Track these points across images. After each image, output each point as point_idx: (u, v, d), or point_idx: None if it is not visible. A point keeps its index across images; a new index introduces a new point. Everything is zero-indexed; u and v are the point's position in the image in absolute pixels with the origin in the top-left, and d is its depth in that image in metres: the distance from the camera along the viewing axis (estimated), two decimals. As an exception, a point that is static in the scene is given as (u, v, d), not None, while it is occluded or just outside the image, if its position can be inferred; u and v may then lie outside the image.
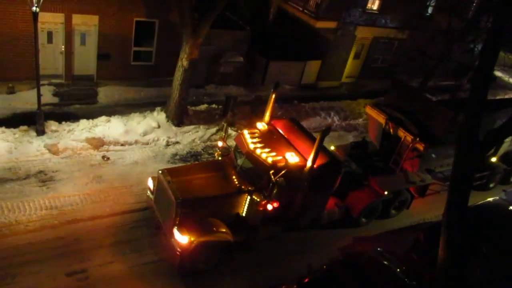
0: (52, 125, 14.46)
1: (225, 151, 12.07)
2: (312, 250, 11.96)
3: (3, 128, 13.74)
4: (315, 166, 10.39)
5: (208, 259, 10.31)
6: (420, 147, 12.68)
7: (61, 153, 13.58)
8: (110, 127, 15.05)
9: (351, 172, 13.26)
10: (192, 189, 10.15)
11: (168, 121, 16.24)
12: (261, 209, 10.24)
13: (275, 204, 10.20)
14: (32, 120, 14.15)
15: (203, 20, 14.92)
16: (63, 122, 14.83)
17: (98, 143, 14.29)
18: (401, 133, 13.21)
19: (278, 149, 10.72)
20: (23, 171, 12.52)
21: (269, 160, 10.25)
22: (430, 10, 23.79)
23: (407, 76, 24.36)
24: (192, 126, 16.51)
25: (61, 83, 16.76)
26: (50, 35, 16.06)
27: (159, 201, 10.64)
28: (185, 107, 16.80)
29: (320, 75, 23.21)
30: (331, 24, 21.54)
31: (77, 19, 16.03)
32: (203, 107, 18.08)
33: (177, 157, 14.94)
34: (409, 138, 12.89)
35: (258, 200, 10.21)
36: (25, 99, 15.53)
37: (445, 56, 20.55)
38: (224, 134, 11.87)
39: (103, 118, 15.41)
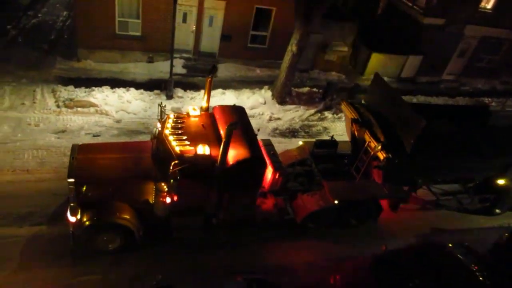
0: (179, 92, 15.56)
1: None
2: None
3: (142, 90, 15.16)
4: (232, 162, 8.60)
5: (105, 242, 8.96)
6: (381, 156, 9.92)
7: (183, 116, 14.56)
8: (225, 99, 15.72)
9: (306, 173, 11.08)
10: (92, 169, 8.74)
11: (273, 98, 16.48)
12: (161, 199, 8.55)
13: (173, 198, 8.52)
14: (164, 86, 15.36)
15: (315, 10, 14.65)
16: (188, 90, 15.86)
17: (213, 111, 15.05)
18: (367, 137, 10.43)
19: (198, 139, 8.74)
20: (152, 127, 13.73)
21: (177, 149, 8.46)
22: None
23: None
24: (294, 106, 16.56)
25: (189, 58, 17.83)
26: (185, 16, 17.07)
27: None
28: (290, 88, 16.88)
29: (421, 70, 21.52)
30: (439, 21, 19.72)
31: (208, 3, 16.77)
32: (305, 89, 17.98)
33: (277, 131, 15.16)
34: (373, 144, 10.17)
35: (161, 190, 8.46)
36: (160, 68, 16.86)
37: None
38: (159, 116, 9.66)
39: (220, 90, 16.14)
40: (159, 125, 9.48)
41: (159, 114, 9.55)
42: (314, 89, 18.07)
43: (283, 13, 17.47)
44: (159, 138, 9.02)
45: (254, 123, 14.96)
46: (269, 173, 10.07)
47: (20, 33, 17.73)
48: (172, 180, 8.19)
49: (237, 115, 9.84)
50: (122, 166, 9.00)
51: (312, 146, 11.65)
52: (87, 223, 8.43)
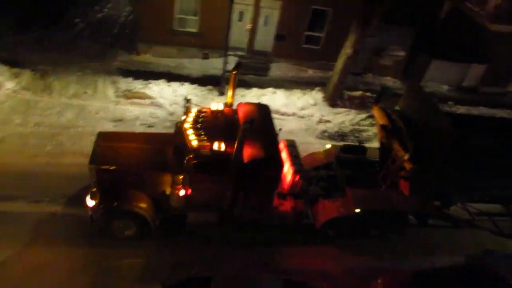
0: (230, 89, 15.78)
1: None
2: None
3: (195, 85, 15.58)
4: (246, 160, 8.46)
5: (121, 229, 9.15)
6: (407, 167, 9.24)
7: (233, 113, 14.78)
8: (275, 98, 15.74)
9: (330, 177, 10.60)
10: (113, 157, 8.91)
11: (324, 100, 16.26)
12: (176, 192, 8.63)
13: (187, 191, 8.58)
14: (216, 83, 15.67)
15: (373, 13, 14.26)
16: (239, 88, 15.99)
17: (262, 110, 15.12)
18: (395, 145, 9.68)
19: (216, 134, 8.67)
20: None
21: (194, 143, 8.49)
22: None
23: None
24: (345, 109, 16.24)
25: (243, 55, 18.01)
26: (241, 15, 17.29)
27: None
28: (341, 91, 16.57)
29: (485, 79, 20.27)
30: (508, 28, 18.43)
31: (264, 2, 16.88)
32: (357, 93, 17.56)
33: (326, 134, 14.94)
34: (400, 153, 9.46)
35: (176, 182, 8.53)
36: (214, 65, 17.20)
37: None
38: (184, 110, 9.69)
39: (270, 89, 16.19)
40: (183, 118, 9.50)
41: (184, 108, 9.59)
42: (367, 93, 17.58)
43: (340, 14, 17.19)
44: (179, 131, 9.09)
45: (302, 124, 15.02)
46: (289, 174, 9.88)
47: (86, 26, 18.83)
48: (185, 174, 8.22)
49: (260, 113, 9.69)
50: (142, 156, 9.12)
51: (338, 151, 11.19)
52: (104, 207, 8.71)
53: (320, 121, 15.43)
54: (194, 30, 17.15)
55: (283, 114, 15.19)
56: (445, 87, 19.75)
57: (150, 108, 14.15)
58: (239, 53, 17.89)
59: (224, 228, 9.75)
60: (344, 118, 15.84)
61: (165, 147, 9.28)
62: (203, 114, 9.36)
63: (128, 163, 8.92)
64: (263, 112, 9.84)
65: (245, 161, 8.47)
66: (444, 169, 9.17)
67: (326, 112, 15.84)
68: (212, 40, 17.05)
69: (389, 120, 10.31)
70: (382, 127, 10.23)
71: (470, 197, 10.49)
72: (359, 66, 18.46)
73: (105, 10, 20.65)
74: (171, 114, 14.10)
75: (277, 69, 18.09)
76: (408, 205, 10.01)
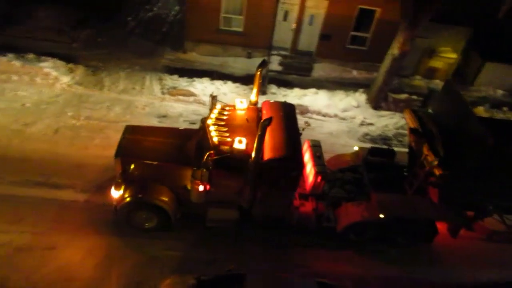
0: (272, 88, 15.85)
1: None
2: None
3: (238, 84, 15.78)
4: (265, 158, 8.38)
5: (143, 220, 9.38)
6: (437, 172, 8.78)
7: (274, 112, 14.82)
8: (317, 99, 15.61)
9: (356, 180, 10.32)
10: (138, 150, 9.27)
11: (367, 103, 15.90)
12: (195, 186, 8.52)
13: (206, 186, 8.51)
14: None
15: (423, 13, 13.72)
16: (281, 87, 16.08)
17: (304, 110, 15.04)
18: (425, 150, 9.18)
19: (238, 132, 8.69)
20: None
21: (215, 139, 8.54)
22: None
23: None
24: (388, 112, 15.78)
25: (286, 55, 18.00)
26: (286, 14, 17.25)
27: None
28: (386, 93, 16.11)
29: (546, 84, 18.91)
30: None
31: (310, 2, 16.74)
32: (403, 96, 17.00)
33: (368, 136, 14.61)
34: (430, 158, 8.98)
35: (196, 177, 8.42)
36: (257, 64, 17.06)
37: None
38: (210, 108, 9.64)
39: (313, 90, 16.07)
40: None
41: (210, 104, 9.61)
42: (414, 97, 16.99)
43: (387, 14, 16.69)
44: (203, 127, 9.18)
45: (344, 126, 14.79)
46: (311, 175, 9.68)
47: (137, 24, 19.60)
48: (204, 169, 8.19)
49: (285, 112, 9.62)
50: (165, 150, 9.33)
51: (366, 153, 10.81)
52: (128, 199, 8.92)
53: (362, 124, 15.11)
54: (239, 29, 17.35)
55: (324, 115, 15.02)
56: (499, 92, 18.62)
57: (194, 106, 14.51)
58: (282, 52, 17.88)
59: (258, 228, 9.83)
60: (387, 121, 15.40)
61: (188, 142, 9.42)
62: (227, 111, 9.44)
63: (151, 156, 9.19)
64: (287, 111, 9.78)
65: (265, 159, 8.43)
66: (478, 177, 8.66)
67: (369, 114, 15.48)
68: (256, 39, 17.16)
69: (420, 123, 9.91)
70: (412, 131, 9.88)
71: (509, 209, 9.85)
72: (406, 68, 17.84)
73: (156, 9, 21.39)
74: (213, 111, 14.36)
75: (320, 69, 17.89)
76: (436, 214, 9.55)
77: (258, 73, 9.71)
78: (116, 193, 9.04)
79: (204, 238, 9.68)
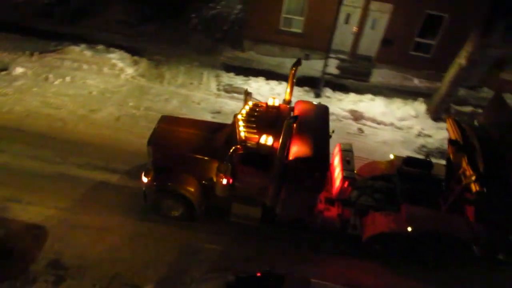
0: (327, 91, 15.60)
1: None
2: None
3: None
4: (291, 157, 8.31)
5: (169, 208, 9.62)
6: (473, 189, 8.01)
7: (327, 116, 14.58)
8: (373, 105, 15.13)
9: (388, 190, 9.73)
10: (169, 139, 9.41)
11: (427, 113, 15.14)
12: (219, 179, 8.60)
13: (229, 180, 8.59)
14: (314, 84, 15.60)
15: (497, 21, 12.77)
16: (336, 91, 15.77)
17: (358, 116, 14.65)
18: (464, 164, 8.49)
19: (267, 129, 8.59)
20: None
21: (242, 134, 8.55)
22: None
23: None
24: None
25: (344, 59, 17.62)
26: (348, 17, 16.89)
27: None
28: (449, 105, 15.24)
29: None
30: None
31: (374, 5, 16.25)
32: (467, 109, 15.98)
33: (424, 148, 13.89)
34: (468, 172, 8.29)
35: (220, 170, 8.52)
36: (314, 66, 17.11)
37: None
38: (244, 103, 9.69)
39: (369, 96, 15.59)
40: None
41: (243, 100, 9.68)
42: (479, 110, 15.89)
43: (457, 20, 15.77)
44: (233, 122, 9.23)
45: (399, 136, 14.21)
46: (338, 179, 9.40)
47: (200, 22, 20.17)
48: (227, 163, 8.30)
49: (317, 113, 9.53)
50: (196, 142, 9.44)
51: (401, 162, 10.29)
52: (155, 186, 9.26)
53: (419, 135, 14.41)
54: (298, 30, 17.27)
55: (379, 123, 14.52)
56: None
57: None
58: (341, 56, 17.54)
59: (306, 231, 9.75)
60: (447, 134, 14.53)
61: (218, 136, 9.51)
62: (259, 108, 9.45)
63: (181, 146, 9.38)
64: (320, 112, 9.67)
65: (290, 158, 8.37)
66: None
67: (427, 125, 14.72)
68: (315, 41, 16.97)
69: (462, 135, 9.33)
70: (451, 142, 9.31)
71: None
72: (474, 79, 16.75)
73: (219, 7, 21.88)
74: (266, 111, 14.42)
75: (380, 75, 17.31)
76: (471, 234, 8.78)
77: (292, 71, 9.65)
78: (145, 179, 9.38)
79: (244, 235, 9.78)
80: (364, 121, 14.55)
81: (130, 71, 15.37)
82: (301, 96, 15.21)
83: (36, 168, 10.70)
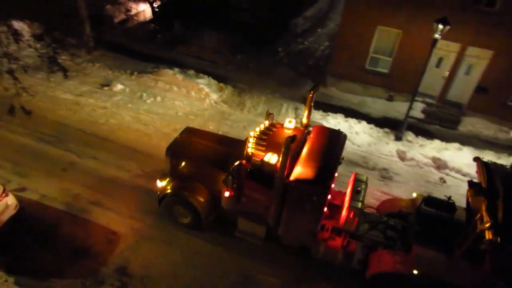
0: (409, 135, 14.80)
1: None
2: None
3: (372, 125, 15.18)
4: (293, 178, 8.33)
5: (180, 214, 10.04)
6: (487, 236, 7.23)
7: (407, 161, 13.78)
8: (459, 155, 13.97)
9: (403, 228, 9.16)
10: (187, 149, 9.95)
11: (523, 171, 13.53)
12: (223, 191, 8.78)
13: (231, 192, 8.75)
14: (395, 126, 14.95)
15: None
16: (419, 136, 14.90)
17: (441, 165, 13.62)
18: (483, 208, 7.62)
19: (276, 149, 8.45)
20: (372, 163, 13.55)
21: (249, 150, 8.66)
22: None
23: None
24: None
25: (431, 103, 16.71)
26: (440, 61, 16.10)
27: None
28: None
29: None
30: None
31: (472, 51, 15.31)
32: None
33: None
34: (485, 219, 7.46)
35: (224, 183, 8.64)
36: (397, 108, 16.47)
37: None
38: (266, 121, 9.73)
39: (456, 145, 14.46)
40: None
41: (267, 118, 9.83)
42: None
43: None
44: (246, 139, 9.26)
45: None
46: (344, 209, 9.17)
47: (287, 55, 20.70)
48: (229, 176, 8.47)
49: (331, 138, 9.54)
50: (211, 154, 9.84)
51: (420, 202, 9.55)
52: (168, 191, 9.73)
53: None
54: (384, 70, 16.84)
55: (464, 174, 13.32)
56: None
57: (323, 139, 14.47)
58: (428, 100, 16.68)
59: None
60: None
61: (233, 150, 9.57)
62: (274, 128, 9.56)
63: (196, 157, 9.87)
64: (335, 138, 9.65)
65: (292, 178, 8.37)
66: None
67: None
68: (401, 82, 16.39)
69: (486, 178, 8.44)
70: (471, 184, 8.71)
71: None
72: None
73: (306, 43, 22.34)
74: (341, 148, 14.10)
75: (470, 124, 16.05)
76: (483, 286, 7.94)
77: (310, 95, 9.66)
78: (159, 184, 9.98)
79: (301, 269, 9.51)
80: (447, 171, 13.47)
81: (214, 96, 16.17)
82: (381, 137, 14.65)
83: (119, 177, 11.58)
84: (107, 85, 16.07)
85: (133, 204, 10.77)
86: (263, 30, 20.50)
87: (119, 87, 15.95)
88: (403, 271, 8.45)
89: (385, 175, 13.08)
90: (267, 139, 9.07)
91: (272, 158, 8.48)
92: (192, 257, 9.64)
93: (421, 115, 16.37)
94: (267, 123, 9.68)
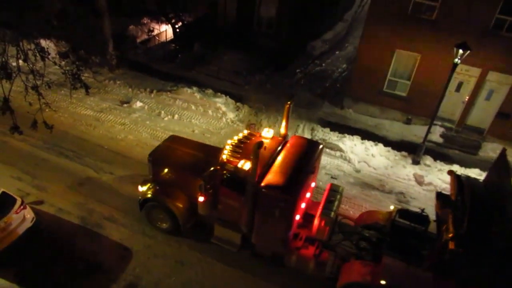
0: (427, 159, 14.52)
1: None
2: None
3: (389, 148, 14.97)
4: (263, 184, 8.57)
5: (159, 219, 10.31)
6: (451, 246, 7.34)
7: (424, 185, 13.48)
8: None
9: (378, 240, 9.18)
10: (168, 156, 10.22)
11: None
12: (197, 196, 9.05)
13: (204, 197, 9.02)
14: (413, 150, 14.69)
15: None
16: (437, 161, 14.60)
17: (460, 191, 13.25)
18: (449, 220, 7.79)
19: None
20: (388, 187, 13.30)
21: (224, 157, 8.96)
22: None
23: None
24: None
25: (451, 128, 16.40)
26: (459, 85, 15.89)
27: None
28: None
29: None
30: None
31: (492, 75, 15.07)
32: None
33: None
34: (450, 229, 7.60)
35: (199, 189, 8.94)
36: (415, 132, 16.22)
37: None
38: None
39: (476, 170, 14.09)
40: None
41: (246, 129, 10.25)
42: None
43: None
44: (224, 146, 9.56)
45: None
46: (316, 218, 9.43)
47: (304, 77, 20.79)
48: (202, 180, 8.71)
49: (307, 148, 9.78)
50: (192, 162, 10.04)
51: (395, 214, 9.65)
52: (148, 195, 9.99)
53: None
54: (402, 94, 16.70)
55: (485, 202, 12.90)
56: None
57: (338, 161, 14.33)
58: (446, 124, 16.39)
59: None
60: None
61: (211, 158, 9.68)
62: (252, 137, 9.75)
63: (176, 164, 10.09)
64: (310, 148, 9.90)
65: (263, 184, 8.57)
66: (504, 265, 7.24)
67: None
68: (419, 106, 16.20)
69: (456, 191, 8.56)
70: (438, 196, 8.85)
71: None
72: None
73: (324, 64, 22.41)
74: (357, 171, 13.92)
75: (491, 150, 15.64)
76: None
77: (287, 106, 10.02)
78: (140, 188, 10.25)
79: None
80: (467, 198, 13.08)
81: (231, 115, 16.28)
82: (398, 161, 14.42)
83: (133, 193, 11.63)
84: (127, 102, 16.39)
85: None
86: (282, 52, 20.73)
87: (138, 104, 16.26)
88: (372, 281, 8.58)
89: (402, 199, 12.80)
90: (243, 147, 9.32)
91: (245, 164, 8.77)
92: (205, 277, 9.52)
93: (439, 139, 16.07)
94: (245, 132, 10.00)
